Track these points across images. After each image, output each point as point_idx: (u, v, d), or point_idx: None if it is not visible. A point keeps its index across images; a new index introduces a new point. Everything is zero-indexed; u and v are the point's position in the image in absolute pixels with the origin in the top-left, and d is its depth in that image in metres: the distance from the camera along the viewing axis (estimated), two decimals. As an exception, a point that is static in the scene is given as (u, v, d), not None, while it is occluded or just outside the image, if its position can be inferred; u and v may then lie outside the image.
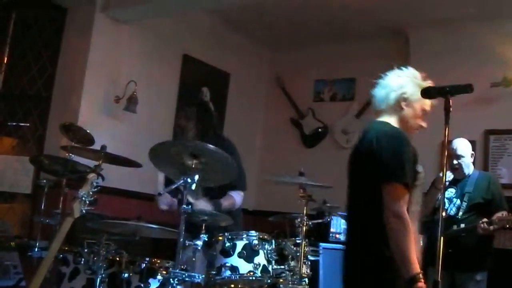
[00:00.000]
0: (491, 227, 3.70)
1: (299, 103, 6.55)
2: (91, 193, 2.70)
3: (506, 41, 5.17)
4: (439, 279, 2.15)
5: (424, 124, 2.55)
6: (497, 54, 5.14)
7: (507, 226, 3.69)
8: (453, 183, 4.02)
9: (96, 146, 3.27)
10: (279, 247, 3.36)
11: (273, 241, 3.26)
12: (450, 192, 3.99)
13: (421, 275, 2.16)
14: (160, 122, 5.47)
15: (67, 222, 2.65)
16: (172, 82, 5.65)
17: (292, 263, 3.32)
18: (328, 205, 3.81)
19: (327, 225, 4.65)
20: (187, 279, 2.84)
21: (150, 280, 2.94)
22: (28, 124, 5.03)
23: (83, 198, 2.67)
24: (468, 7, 5.12)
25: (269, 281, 3.12)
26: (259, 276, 3.07)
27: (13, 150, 5.09)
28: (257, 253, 3.11)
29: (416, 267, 2.17)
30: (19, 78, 5.21)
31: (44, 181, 3.71)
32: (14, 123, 5.08)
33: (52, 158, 3.58)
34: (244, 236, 3.14)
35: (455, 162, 3.95)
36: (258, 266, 3.08)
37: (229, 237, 3.12)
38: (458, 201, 3.93)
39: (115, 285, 3.00)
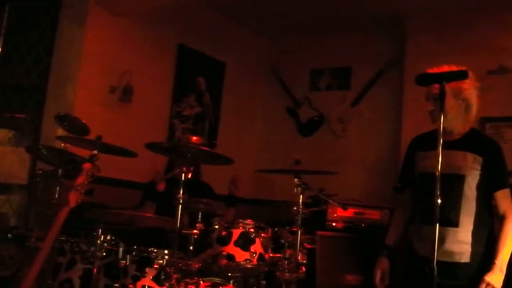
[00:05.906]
0: None
1: (295, 92, 6.53)
2: (87, 183, 2.71)
3: (502, 29, 5.17)
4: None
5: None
6: (493, 42, 5.14)
7: None
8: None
9: (92, 136, 3.26)
10: (275, 235, 3.37)
11: (269, 229, 3.27)
12: None
13: None
14: (155, 112, 5.46)
15: (63, 212, 2.66)
16: (167, 71, 5.63)
17: (289, 251, 3.33)
18: (325, 193, 3.80)
19: (324, 213, 4.65)
20: (183, 267, 2.85)
21: (147, 269, 2.94)
22: (23, 115, 5.02)
23: (79, 188, 2.68)
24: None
25: (265, 269, 3.14)
26: (256, 265, 3.08)
27: (9, 141, 5.08)
28: (253, 242, 3.12)
29: None
30: (14, 69, 5.18)
31: (40, 171, 3.71)
32: (9, 114, 5.07)
33: (49, 149, 3.57)
34: (241, 224, 3.15)
35: None
36: (254, 255, 3.09)
37: (226, 225, 3.12)
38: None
39: (112, 274, 3.01)
